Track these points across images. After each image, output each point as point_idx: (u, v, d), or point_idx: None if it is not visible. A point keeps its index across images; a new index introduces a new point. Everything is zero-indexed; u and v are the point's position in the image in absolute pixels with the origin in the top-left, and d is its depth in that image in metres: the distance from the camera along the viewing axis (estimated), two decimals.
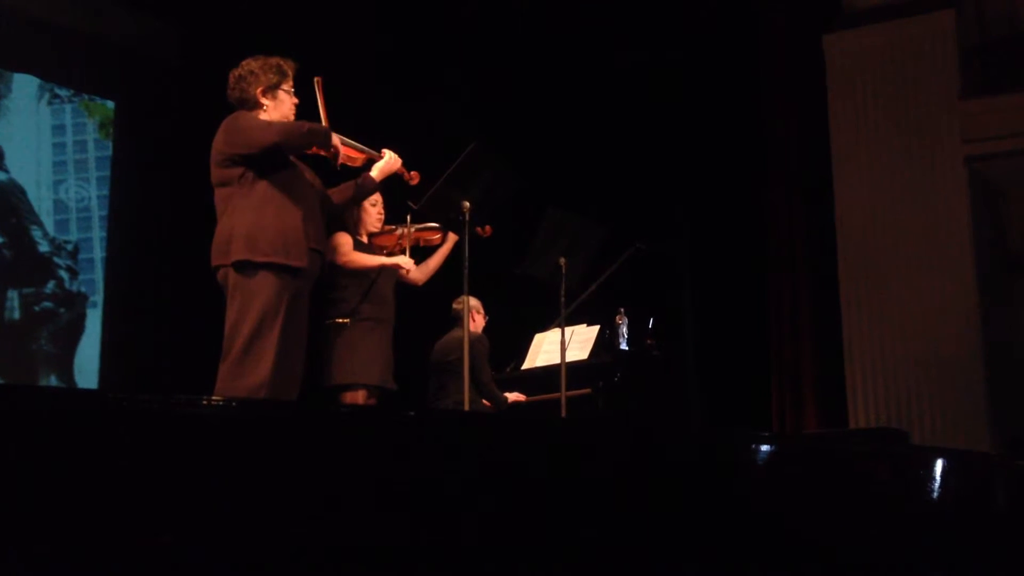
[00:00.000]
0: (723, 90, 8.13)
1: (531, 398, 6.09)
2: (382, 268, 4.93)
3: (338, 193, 4.30)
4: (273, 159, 3.93)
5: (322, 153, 4.13)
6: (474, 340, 5.78)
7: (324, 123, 4.21)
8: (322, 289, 4.79)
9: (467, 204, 4.65)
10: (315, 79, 4.26)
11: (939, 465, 3.21)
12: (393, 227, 5.11)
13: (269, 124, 3.95)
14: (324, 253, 4.21)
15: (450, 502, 2.37)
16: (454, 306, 5.94)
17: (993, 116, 7.36)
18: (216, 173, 3.96)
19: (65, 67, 7.90)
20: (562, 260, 5.22)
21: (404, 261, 4.91)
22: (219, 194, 3.97)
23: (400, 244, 5.07)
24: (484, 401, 5.91)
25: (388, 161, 4.34)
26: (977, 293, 7.29)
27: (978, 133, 7.40)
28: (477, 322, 6.07)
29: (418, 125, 7.60)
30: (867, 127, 7.71)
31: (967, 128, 7.44)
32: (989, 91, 7.53)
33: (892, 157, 7.59)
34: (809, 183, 8.01)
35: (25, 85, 7.74)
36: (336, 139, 4.09)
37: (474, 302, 6.05)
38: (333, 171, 4.23)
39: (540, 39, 8.22)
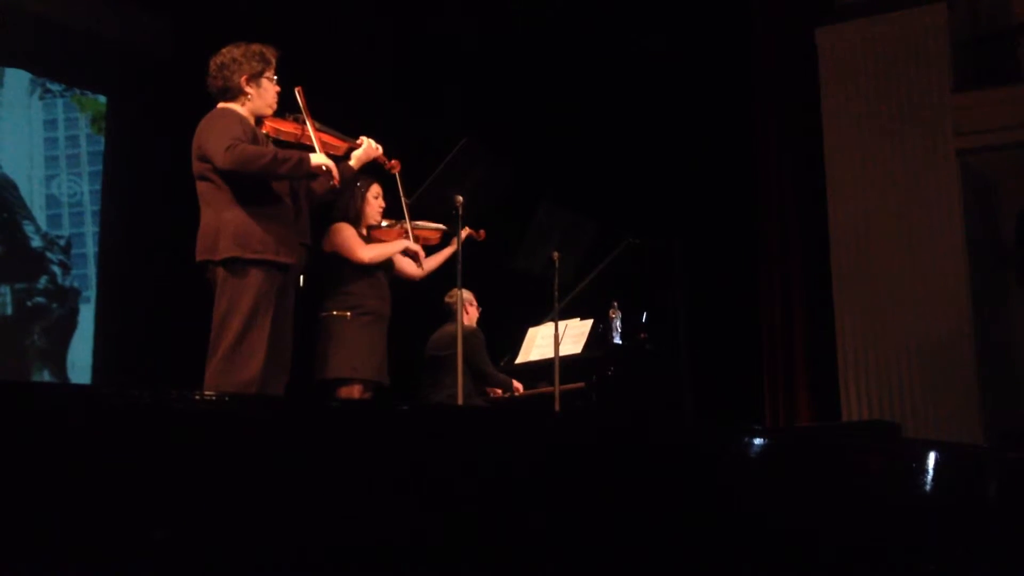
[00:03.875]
0: (715, 84, 8.13)
1: (526, 391, 6.11)
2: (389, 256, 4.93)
3: (319, 183, 4.26)
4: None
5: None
6: (469, 333, 5.77)
7: (312, 132, 4.14)
8: (320, 280, 4.77)
9: (460, 199, 4.65)
10: (296, 88, 4.15)
11: (931, 458, 3.22)
12: (393, 222, 5.07)
13: (231, 147, 3.78)
14: (310, 246, 4.19)
15: (443, 497, 2.37)
16: (447, 300, 5.92)
17: (985, 110, 7.39)
18: (197, 166, 3.91)
19: (57, 62, 7.88)
20: (555, 254, 5.23)
21: (421, 252, 4.87)
22: (201, 186, 3.92)
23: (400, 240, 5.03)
24: (489, 389, 5.94)
25: (365, 149, 4.29)
26: (969, 286, 7.32)
27: (970, 126, 7.43)
28: (471, 314, 6.06)
29: (410, 119, 7.60)
30: (859, 120, 7.72)
31: (959, 121, 7.46)
32: (981, 85, 7.55)
33: (884, 150, 7.61)
34: (801, 176, 8.02)
35: (17, 80, 7.72)
36: (315, 166, 3.97)
37: (467, 294, 6.04)
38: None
39: (532, 33, 8.22)
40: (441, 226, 5.04)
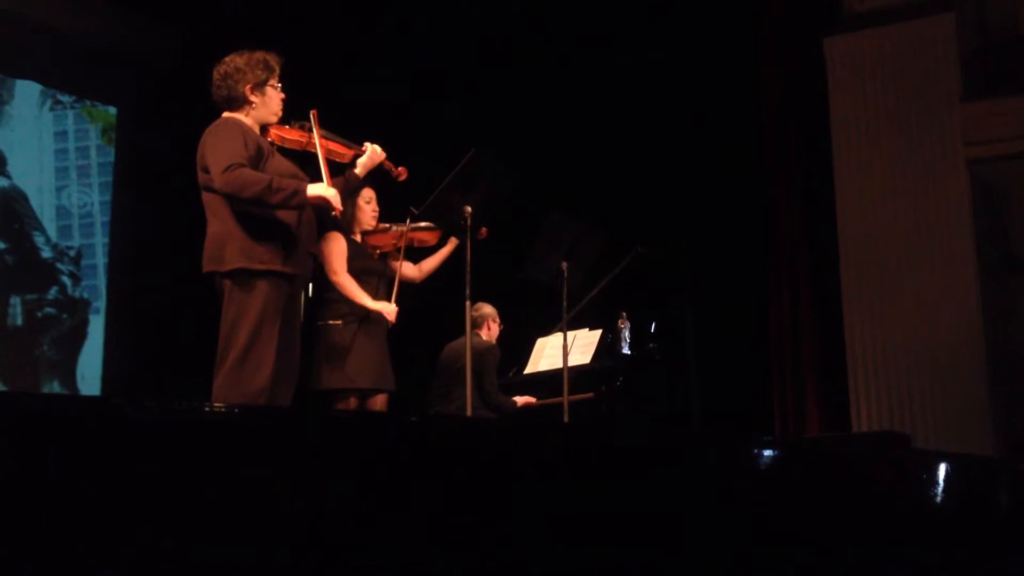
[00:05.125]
0: (723, 93, 8.13)
1: (538, 402, 6.10)
2: (373, 289, 4.85)
3: None
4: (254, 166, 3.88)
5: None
6: (485, 349, 5.77)
7: (318, 140, 4.14)
8: (316, 289, 4.76)
9: (469, 209, 4.65)
10: (311, 112, 4.14)
11: (942, 469, 3.20)
12: (388, 226, 5.03)
13: (229, 169, 3.78)
14: (316, 255, 4.19)
15: (451, 508, 2.37)
16: (473, 313, 5.87)
17: (994, 119, 7.36)
18: (202, 176, 3.92)
19: (67, 73, 7.92)
20: (563, 264, 5.22)
21: (388, 310, 4.73)
22: (207, 196, 3.93)
23: (395, 244, 4.99)
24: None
25: (370, 155, 4.29)
26: (979, 296, 7.29)
27: (980, 136, 7.40)
28: (492, 331, 6.05)
29: (416, 126, 7.61)
30: (868, 130, 7.70)
31: (969, 131, 7.43)
32: (990, 94, 7.53)
33: (893, 160, 7.59)
34: (810, 186, 8.01)
35: (27, 91, 7.76)
36: (312, 198, 3.93)
37: (491, 310, 6.05)
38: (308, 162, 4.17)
39: (538, 39, 8.22)
40: (435, 225, 5.01)
